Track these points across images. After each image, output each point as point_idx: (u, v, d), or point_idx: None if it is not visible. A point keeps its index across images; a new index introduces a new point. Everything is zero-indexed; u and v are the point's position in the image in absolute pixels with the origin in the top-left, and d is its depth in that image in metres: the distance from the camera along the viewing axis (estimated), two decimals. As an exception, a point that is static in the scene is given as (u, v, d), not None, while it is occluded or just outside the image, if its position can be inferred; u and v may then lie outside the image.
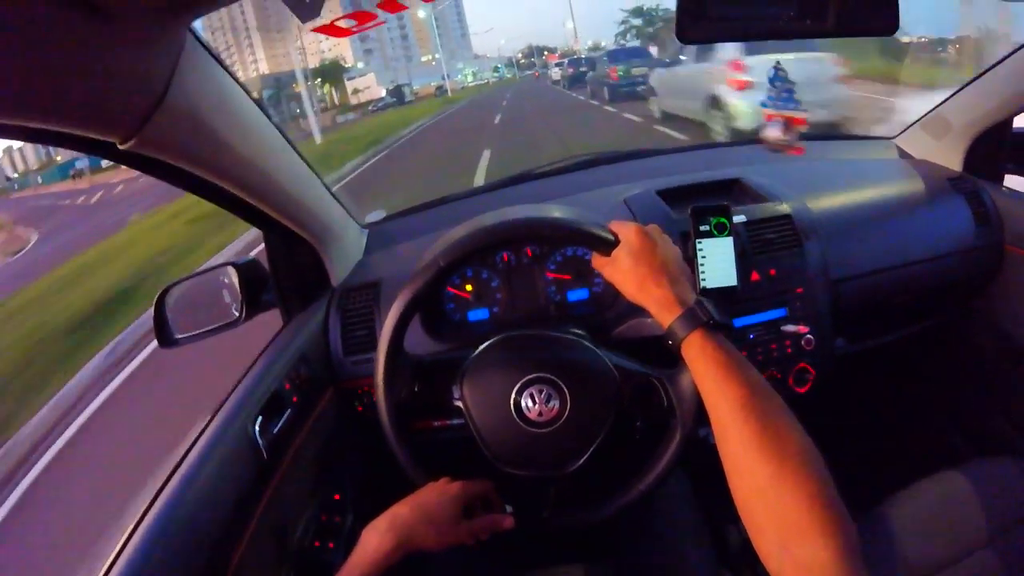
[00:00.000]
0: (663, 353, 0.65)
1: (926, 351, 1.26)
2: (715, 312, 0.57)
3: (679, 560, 0.83)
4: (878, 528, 0.78)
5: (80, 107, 0.45)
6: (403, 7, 0.60)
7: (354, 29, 0.60)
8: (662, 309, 0.58)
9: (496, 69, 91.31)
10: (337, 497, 0.86)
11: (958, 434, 1.27)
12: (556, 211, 0.71)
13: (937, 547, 0.74)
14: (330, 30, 0.61)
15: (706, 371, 0.53)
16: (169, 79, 0.50)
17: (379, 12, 0.61)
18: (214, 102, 0.58)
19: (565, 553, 0.81)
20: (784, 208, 0.94)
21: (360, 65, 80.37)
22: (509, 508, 0.68)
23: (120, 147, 0.50)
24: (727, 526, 0.95)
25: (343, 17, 0.60)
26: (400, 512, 0.64)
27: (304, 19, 0.64)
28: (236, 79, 0.64)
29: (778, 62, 0.77)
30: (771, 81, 0.76)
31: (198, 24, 0.53)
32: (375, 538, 0.61)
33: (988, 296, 1.10)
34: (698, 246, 0.84)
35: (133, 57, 0.45)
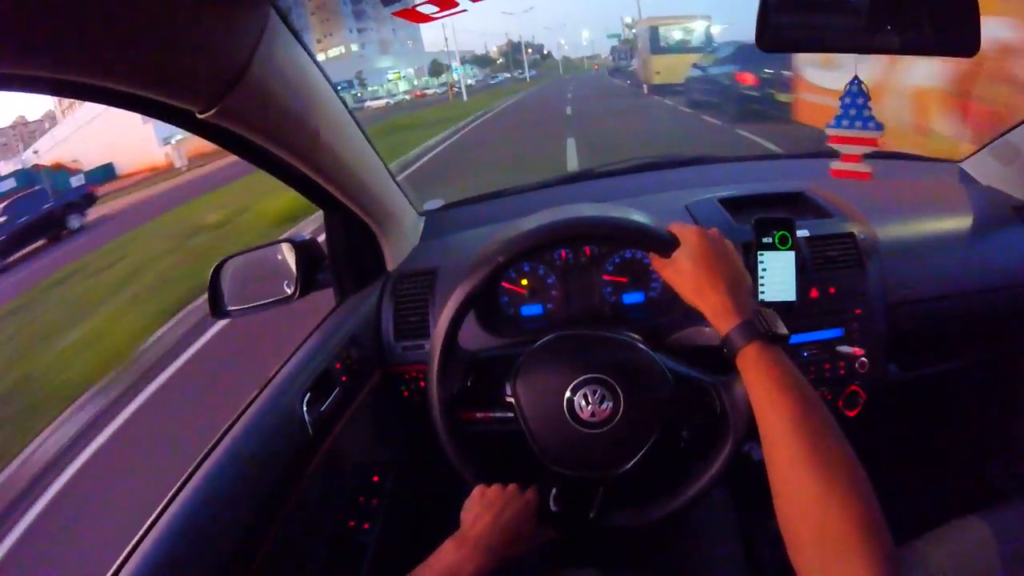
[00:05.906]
0: (717, 363, 0.64)
1: (978, 385, 1.20)
2: (774, 324, 0.55)
3: (711, 572, 0.81)
4: (912, 563, 0.75)
5: (166, 74, 0.45)
6: None
7: (435, 15, 0.59)
8: (718, 315, 0.57)
9: (448, 69, 46.19)
10: (376, 480, 0.87)
11: (1003, 474, 1.20)
12: (617, 211, 0.70)
13: None
14: (410, 15, 0.60)
15: (760, 384, 0.52)
16: (252, 54, 0.51)
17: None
18: (292, 80, 0.59)
19: (592, 557, 0.80)
20: (848, 226, 0.92)
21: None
22: (555, 507, 0.67)
23: (199, 116, 0.51)
24: (761, 542, 0.93)
25: (424, 3, 0.59)
26: (489, 540, 0.61)
27: (386, 2, 0.64)
28: (315, 59, 0.64)
29: (856, 76, 0.72)
30: (842, 97, 0.71)
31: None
32: (460, 554, 0.60)
33: None
34: (759, 258, 0.83)
35: (219, 29, 0.46)
